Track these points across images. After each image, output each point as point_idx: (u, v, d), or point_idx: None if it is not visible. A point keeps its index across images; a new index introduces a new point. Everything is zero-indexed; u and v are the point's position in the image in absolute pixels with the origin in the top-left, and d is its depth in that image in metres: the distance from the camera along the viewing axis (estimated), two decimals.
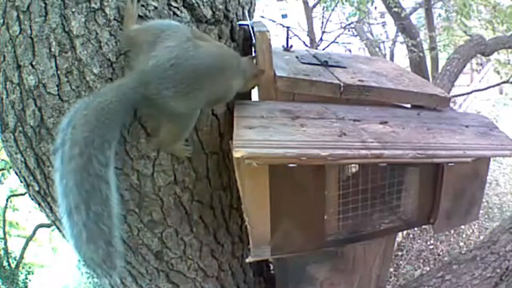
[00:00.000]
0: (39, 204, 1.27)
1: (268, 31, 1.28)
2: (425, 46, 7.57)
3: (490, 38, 5.64)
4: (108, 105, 1.00)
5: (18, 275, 6.80)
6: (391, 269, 5.89)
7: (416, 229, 6.34)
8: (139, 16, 1.10)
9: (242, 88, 1.24)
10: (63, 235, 1.31)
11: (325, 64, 1.54)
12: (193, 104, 1.09)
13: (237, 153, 0.99)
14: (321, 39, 7.67)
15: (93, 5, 1.06)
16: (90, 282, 6.57)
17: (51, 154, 1.10)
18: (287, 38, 1.72)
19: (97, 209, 0.95)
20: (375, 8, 8.06)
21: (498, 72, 8.29)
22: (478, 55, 5.47)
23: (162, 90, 1.03)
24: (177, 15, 1.16)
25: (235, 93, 1.21)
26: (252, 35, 1.29)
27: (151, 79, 1.02)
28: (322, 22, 7.69)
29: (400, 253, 6.34)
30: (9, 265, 6.77)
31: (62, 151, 0.95)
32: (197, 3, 1.19)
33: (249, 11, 1.37)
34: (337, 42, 7.73)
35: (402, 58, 8.19)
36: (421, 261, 6.27)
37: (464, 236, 6.67)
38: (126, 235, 1.23)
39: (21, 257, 7.03)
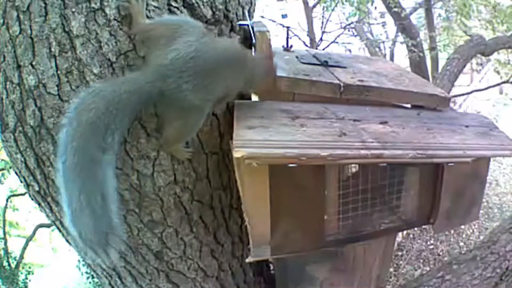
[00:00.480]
0: (39, 204, 1.27)
1: (268, 31, 1.28)
2: (425, 46, 7.57)
3: (490, 38, 5.65)
4: (120, 95, 1.00)
5: (18, 275, 6.79)
6: (391, 269, 5.89)
7: (416, 229, 6.34)
8: None
9: (254, 86, 1.25)
10: (63, 235, 1.31)
11: (325, 64, 1.54)
12: (209, 96, 1.10)
13: (237, 153, 1.00)
14: (321, 39, 7.66)
15: (93, 5, 1.06)
16: (90, 282, 6.56)
17: (58, 129, 1.09)
18: (287, 38, 1.72)
19: (89, 190, 0.95)
20: (375, 8, 8.05)
21: (498, 72, 8.30)
22: (478, 55, 5.47)
23: (182, 84, 1.03)
24: (177, 15, 1.16)
25: (241, 88, 1.22)
26: (252, 35, 1.29)
27: (171, 73, 1.03)
28: (322, 22, 7.69)
29: (400, 253, 6.34)
30: (9, 265, 6.76)
31: (68, 129, 0.96)
32: (197, 3, 1.19)
33: (249, 11, 1.37)
34: (337, 42, 7.72)
35: (402, 58, 8.18)
36: (421, 261, 6.26)
37: (464, 236, 6.67)
38: (126, 235, 1.23)
39: (21, 257, 7.02)
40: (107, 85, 1.03)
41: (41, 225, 6.90)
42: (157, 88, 1.03)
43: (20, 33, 1.07)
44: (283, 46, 1.70)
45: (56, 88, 1.08)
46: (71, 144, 0.95)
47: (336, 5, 7.62)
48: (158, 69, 1.03)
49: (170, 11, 1.15)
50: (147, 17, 1.11)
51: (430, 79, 6.67)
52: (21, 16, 1.06)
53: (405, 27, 7.15)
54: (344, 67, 1.56)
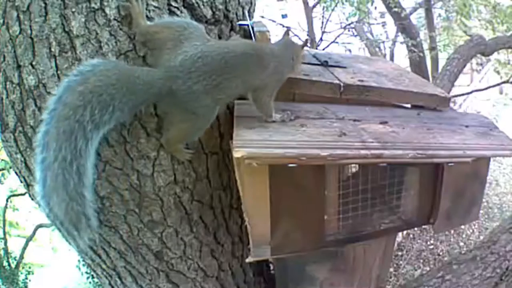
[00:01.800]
0: (39, 205, 1.27)
1: (268, 31, 1.28)
2: (425, 46, 7.57)
3: (490, 38, 5.64)
4: (135, 78, 1.01)
5: (18, 275, 6.78)
6: (391, 269, 5.88)
7: (416, 229, 6.34)
8: None
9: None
10: (63, 235, 1.31)
11: (325, 64, 1.54)
12: (222, 96, 1.10)
13: (237, 153, 0.99)
14: (321, 39, 7.66)
15: (93, 5, 1.06)
16: (90, 282, 6.55)
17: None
18: None
19: (66, 155, 0.94)
20: (375, 8, 8.05)
21: (498, 72, 8.30)
22: (478, 55, 5.47)
23: (192, 86, 1.04)
24: (177, 15, 1.16)
25: (280, 80, 1.20)
26: (252, 35, 1.29)
27: (180, 74, 1.04)
28: (322, 22, 7.68)
29: (400, 253, 6.33)
30: (9, 265, 6.75)
31: (70, 80, 0.96)
32: (197, 3, 1.19)
33: (249, 11, 1.37)
34: (337, 42, 7.72)
35: (402, 58, 8.18)
36: (421, 261, 6.26)
37: (464, 236, 6.67)
38: (126, 235, 1.23)
39: (21, 257, 7.02)
40: (125, 64, 1.05)
41: (41, 225, 6.90)
42: (167, 87, 1.04)
43: (20, 33, 1.07)
44: None
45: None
46: (67, 97, 0.94)
47: (336, 5, 7.62)
48: (168, 70, 1.04)
49: (170, 11, 1.15)
50: (147, 17, 1.11)
51: (430, 79, 6.67)
52: (21, 16, 1.06)
53: (405, 27, 7.15)
54: (344, 67, 1.56)
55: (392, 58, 8.63)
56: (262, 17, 6.22)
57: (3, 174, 6.46)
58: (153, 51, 1.10)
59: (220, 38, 1.27)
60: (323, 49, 6.76)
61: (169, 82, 1.04)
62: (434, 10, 7.89)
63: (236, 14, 1.32)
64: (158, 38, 1.07)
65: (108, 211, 1.18)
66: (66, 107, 0.94)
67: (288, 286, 1.58)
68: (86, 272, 6.31)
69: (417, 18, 9.55)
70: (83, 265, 6.00)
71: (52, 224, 0.99)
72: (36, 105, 1.10)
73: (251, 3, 1.40)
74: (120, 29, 1.09)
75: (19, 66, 1.09)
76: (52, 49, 1.07)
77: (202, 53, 1.06)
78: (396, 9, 6.90)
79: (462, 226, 6.30)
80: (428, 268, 5.78)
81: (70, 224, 0.97)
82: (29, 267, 7.20)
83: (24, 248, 7.07)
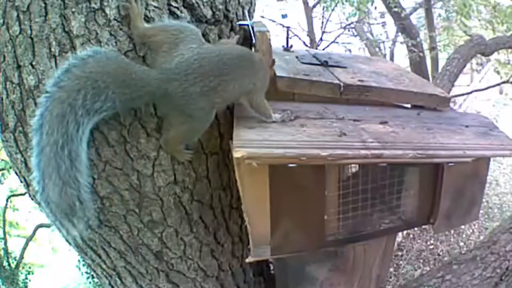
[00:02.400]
0: (39, 204, 1.27)
1: (268, 31, 1.28)
2: (425, 46, 7.57)
3: (490, 38, 5.64)
4: (132, 73, 1.01)
5: (18, 275, 6.79)
6: (391, 269, 5.89)
7: (416, 229, 6.34)
8: None
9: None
10: (63, 235, 1.31)
11: (325, 64, 1.54)
12: (218, 99, 1.09)
13: (237, 153, 0.99)
14: (321, 39, 7.66)
15: (93, 5, 1.06)
16: (90, 282, 6.55)
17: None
18: (287, 38, 1.72)
19: (57, 139, 0.94)
20: (375, 8, 8.05)
21: (498, 72, 8.31)
22: (478, 55, 5.46)
23: (189, 88, 1.04)
24: (177, 15, 1.16)
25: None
26: (252, 35, 1.29)
27: (176, 76, 1.04)
28: (322, 22, 7.69)
29: (400, 253, 6.34)
30: (9, 265, 6.76)
31: (70, 63, 0.98)
32: (197, 3, 1.19)
33: (249, 11, 1.37)
34: (337, 42, 7.72)
35: (402, 58, 8.18)
36: (421, 261, 6.26)
37: (464, 236, 6.67)
38: (126, 235, 1.23)
39: (21, 257, 7.02)
40: (125, 58, 1.05)
41: (41, 225, 6.90)
42: (162, 89, 1.04)
43: (20, 33, 1.07)
44: (283, 46, 1.70)
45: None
46: (65, 80, 0.96)
47: (336, 5, 7.62)
48: (163, 72, 1.04)
49: (170, 11, 1.15)
50: (147, 17, 1.11)
51: (430, 79, 6.67)
52: (21, 16, 1.06)
53: (405, 27, 7.16)
54: (344, 67, 1.56)
55: (392, 58, 8.64)
56: (262, 17, 6.22)
57: (3, 174, 6.46)
58: (150, 53, 1.10)
59: (220, 38, 1.27)
60: (323, 49, 6.76)
61: (164, 84, 1.04)
62: (434, 10, 7.89)
63: (236, 14, 1.31)
64: (154, 41, 1.08)
65: (108, 211, 1.18)
66: (62, 90, 0.95)
67: (288, 286, 1.58)
68: (86, 272, 6.31)
69: (417, 18, 9.55)
70: (83, 265, 6.00)
71: (49, 215, 0.99)
72: (36, 105, 1.10)
73: (251, 3, 1.40)
74: (120, 29, 1.09)
75: (19, 66, 1.09)
76: (52, 49, 1.07)
77: (198, 55, 1.06)
78: (396, 9, 6.91)
79: (462, 226, 6.31)
80: (428, 268, 5.77)
81: (64, 209, 0.97)
82: (29, 267, 7.20)
83: (24, 248, 7.07)
